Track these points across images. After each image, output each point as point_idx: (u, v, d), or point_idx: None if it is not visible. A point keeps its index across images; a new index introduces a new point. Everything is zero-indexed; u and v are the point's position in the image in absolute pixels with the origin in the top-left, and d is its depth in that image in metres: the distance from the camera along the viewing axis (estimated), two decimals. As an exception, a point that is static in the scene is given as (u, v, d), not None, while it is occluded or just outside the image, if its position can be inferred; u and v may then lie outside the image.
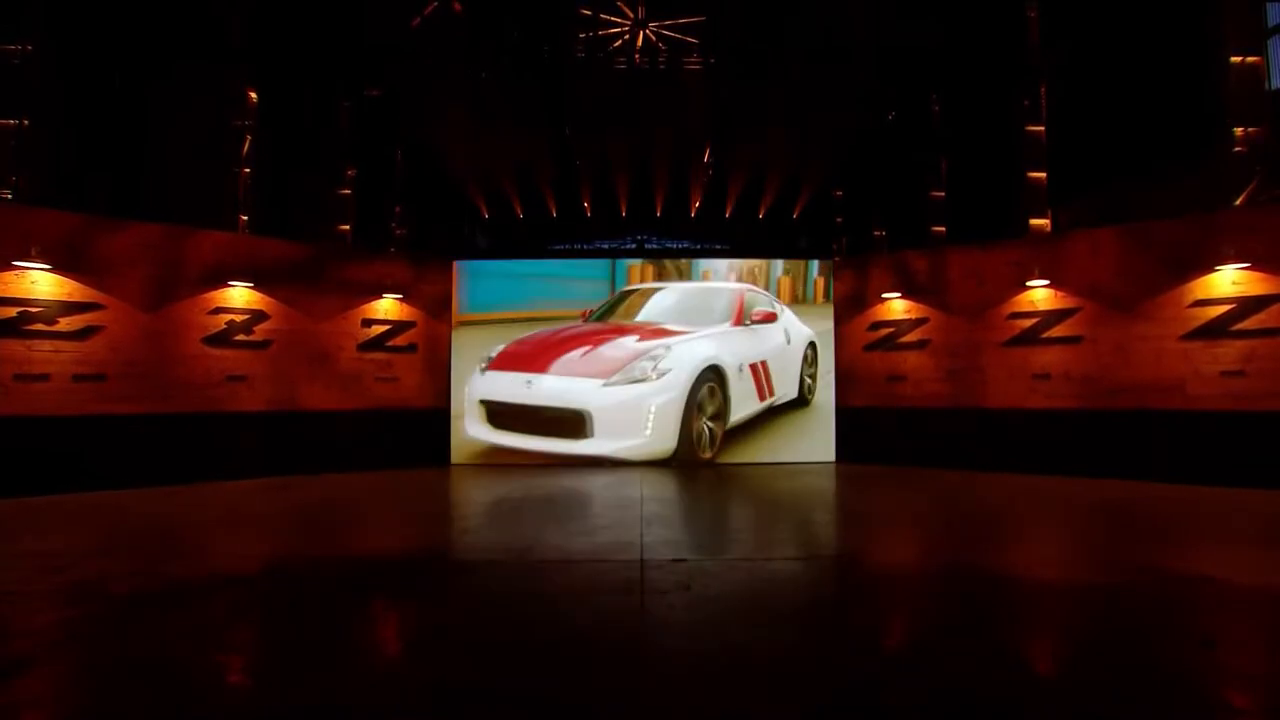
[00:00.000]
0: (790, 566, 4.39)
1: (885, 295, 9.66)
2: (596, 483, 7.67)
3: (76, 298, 7.24)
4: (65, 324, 7.16)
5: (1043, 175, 10.33)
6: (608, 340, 6.36)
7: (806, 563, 4.53)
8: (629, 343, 6.27)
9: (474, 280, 8.80)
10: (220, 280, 8.23)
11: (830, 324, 8.99)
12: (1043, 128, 10.42)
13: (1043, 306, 8.50)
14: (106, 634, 3.10)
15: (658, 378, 5.79)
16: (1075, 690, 2.56)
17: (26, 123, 7.88)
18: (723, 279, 7.95)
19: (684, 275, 8.06)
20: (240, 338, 8.34)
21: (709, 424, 6.00)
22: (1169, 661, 2.80)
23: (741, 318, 6.29)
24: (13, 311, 6.89)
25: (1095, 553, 4.88)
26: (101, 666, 2.76)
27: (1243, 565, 4.22)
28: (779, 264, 8.89)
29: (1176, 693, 2.50)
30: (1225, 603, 3.57)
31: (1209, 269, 7.36)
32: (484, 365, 6.98)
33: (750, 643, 3.02)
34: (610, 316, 7.01)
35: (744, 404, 6.02)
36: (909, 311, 9.50)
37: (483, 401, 6.78)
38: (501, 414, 6.66)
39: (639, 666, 2.77)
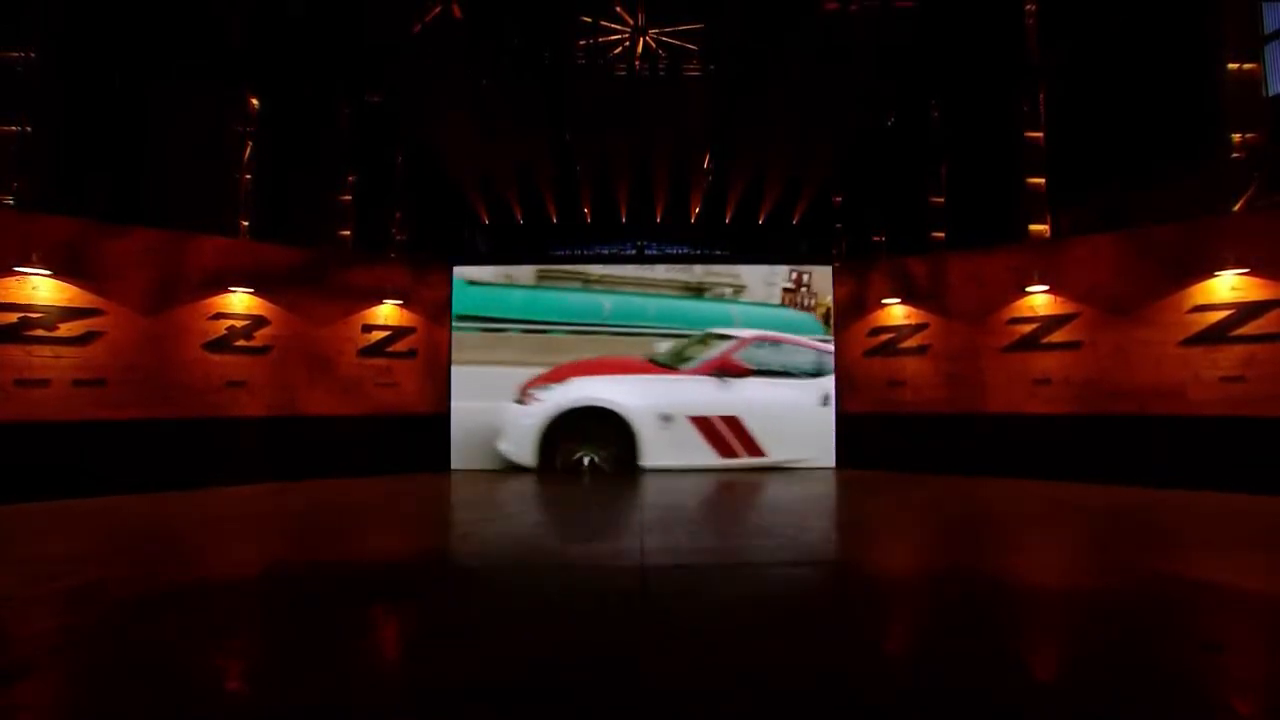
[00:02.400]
0: (795, 572, 4.38)
1: (885, 301, 9.67)
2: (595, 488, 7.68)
3: (77, 303, 7.24)
4: (66, 329, 7.16)
5: (1042, 180, 10.36)
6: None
7: (812, 567, 4.52)
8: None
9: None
10: (221, 285, 8.23)
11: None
12: (1041, 133, 10.46)
13: (1042, 311, 8.50)
14: (106, 639, 3.09)
15: (531, 404, 6.23)
16: (1076, 691, 2.56)
17: (28, 128, 7.90)
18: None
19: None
20: (241, 343, 8.34)
21: (590, 453, 5.83)
22: (1170, 664, 2.80)
23: (718, 368, 5.75)
24: (13, 317, 6.89)
25: (1097, 558, 4.88)
26: (101, 671, 2.75)
27: (1243, 570, 4.22)
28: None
29: (1177, 695, 2.50)
30: (1227, 607, 3.57)
31: (1208, 274, 7.37)
32: None
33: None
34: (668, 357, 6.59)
35: (674, 451, 5.62)
36: (909, 317, 9.50)
37: None
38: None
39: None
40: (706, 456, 5.95)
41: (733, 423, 5.92)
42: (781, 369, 6.11)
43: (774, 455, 6.03)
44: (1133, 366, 7.84)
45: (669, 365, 5.98)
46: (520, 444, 6.05)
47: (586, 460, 5.84)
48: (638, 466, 5.70)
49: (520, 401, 6.26)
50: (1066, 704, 2.49)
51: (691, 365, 5.95)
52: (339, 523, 6.21)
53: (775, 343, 6.15)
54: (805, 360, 6.21)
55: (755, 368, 5.96)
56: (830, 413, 6.54)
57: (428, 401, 9.68)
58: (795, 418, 6.11)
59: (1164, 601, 3.66)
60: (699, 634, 3.20)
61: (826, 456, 6.66)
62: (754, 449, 5.97)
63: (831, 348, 6.90)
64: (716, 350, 5.92)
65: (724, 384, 5.99)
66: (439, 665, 2.85)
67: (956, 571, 4.39)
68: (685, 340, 6.41)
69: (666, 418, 5.84)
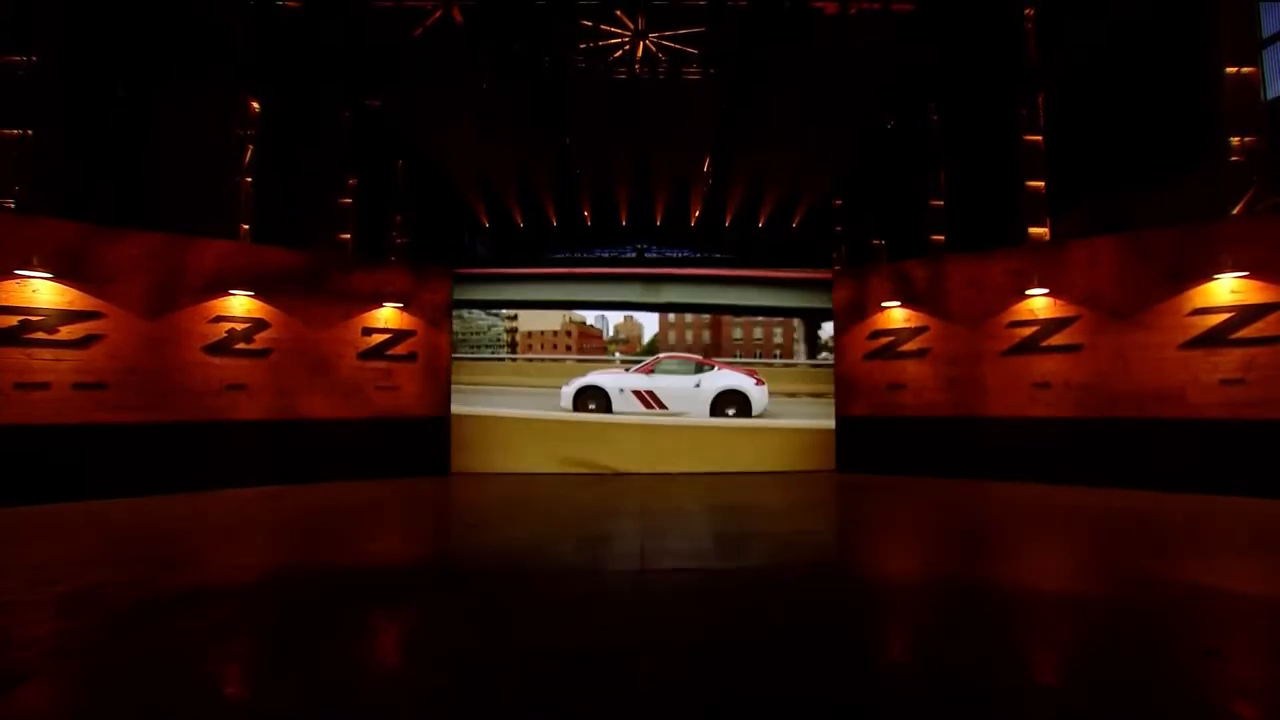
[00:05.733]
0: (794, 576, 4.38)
1: (885, 304, 9.68)
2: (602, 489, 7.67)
3: (77, 306, 7.25)
4: (66, 332, 7.16)
5: (1041, 184, 10.38)
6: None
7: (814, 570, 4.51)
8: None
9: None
10: (221, 289, 8.24)
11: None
12: (1040, 136, 10.48)
13: (1042, 315, 8.51)
14: (106, 643, 3.09)
15: (567, 385, 10.50)
16: (1077, 694, 2.55)
17: (29, 132, 7.92)
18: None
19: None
20: (240, 346, 8.34)
21: (591, 405, 10.35)
22: (1171, 668, 2.79)
23: (646, 370, 10.54)
24: (14, 320, 6.90)
25: (1098, 562, 4.86)
26: (101, 676, 2.74)
27: (1243, 574, 4.21)
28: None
29: (1178, 699, 2.49)
30: (1227, 611, 3.56)
31: (1207, 278, 7.38)
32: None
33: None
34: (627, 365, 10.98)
35: (626, 406, 10.37)
36: (909, 320, 9.51)
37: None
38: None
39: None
40: (640, 408, 10.33)
41: (651, 393, 10.33)
42: (675, 371, 10.45)
43: (671, 409, 10.31)
44: (1133, 370, 7.84)
45: (627, 368, 10.64)
46: (566, 401, 10.33)
47: (593, 406, 10.26)
48: (610, 410, 10.29)
49: (566, 384, 10.42)
50: (1068, 706, 2.48)
51: (635, 369, 10.55)
52: (338, 527, 6.20)
53: (673, 359, 10.63)
54: (689, 368, 10.46)
55: (662, 370, 10.49)
56: (701, 391, 10.33)
57: (427, 405, 9.68)
58: (681, 393, 10.32)
59: (1164, 605, 3.65)
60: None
61: (701, 410, 10.32)
62: (660, 405, 10.29)
63: (710, 358, 10.74)
64: (645, 362, 10.66)
65: (649, 376, 10.40)
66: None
67: (956, 576, 4.38)
68: (634, 359, 11.00)
69: (622, 390, 10.32)
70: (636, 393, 10.10)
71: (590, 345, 11.30)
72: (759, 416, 10.09)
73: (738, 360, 10.93)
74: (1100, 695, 2.56)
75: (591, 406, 10.11)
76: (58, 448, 7.04)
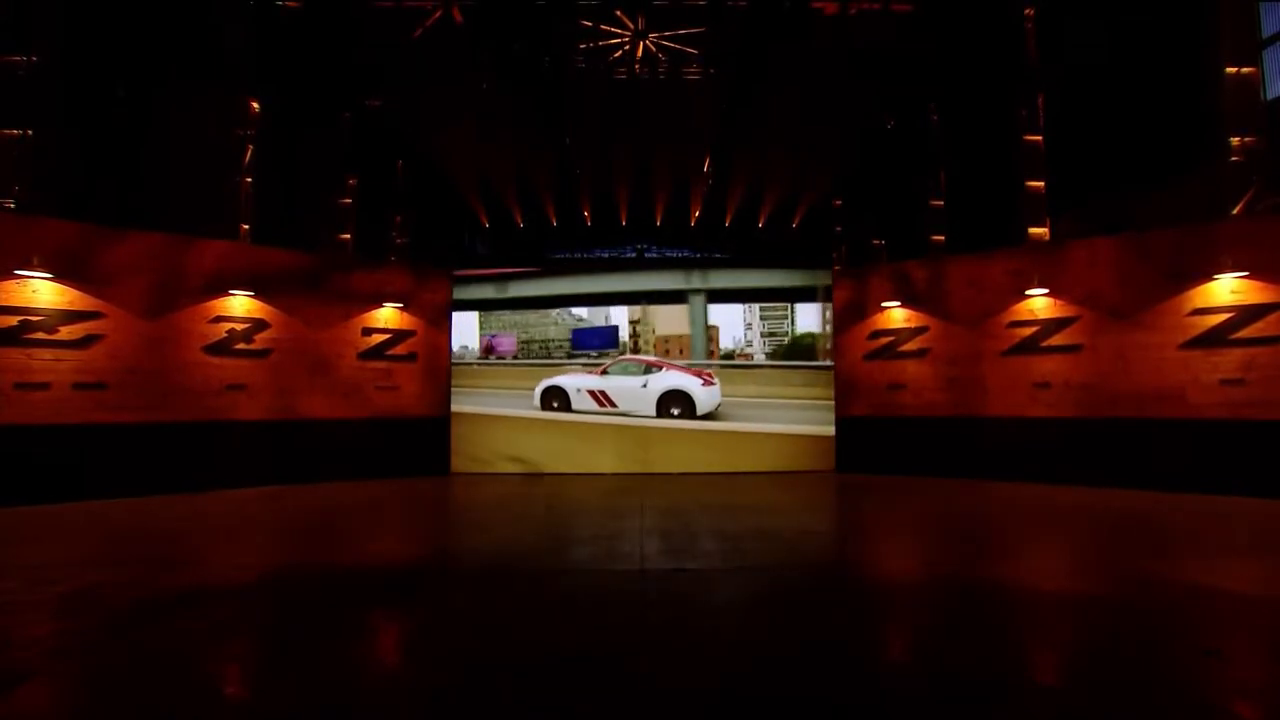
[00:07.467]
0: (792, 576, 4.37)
1: (885, 304, 9.68)
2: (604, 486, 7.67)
3: (77, 306, 7.25)
4: (66, 333, 7.16)
5: (1041, 184, 10.38)
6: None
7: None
8: None
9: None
10: (221, 289, 8.24)
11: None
12: (1041, 136, 10.48)
13: (1042, 315, 8.50)
14: (106, 643, 3.08)
15: (537, 385, 10.62)
16: (1078, 694, 2.55)
17: (30, 132, 7.92)
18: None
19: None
20: (240, 346, 8.34)
21: (555, 403, 10.60)
22: (1171, 669, 2.79)
23: (600, 372, 10.67)
24: (14, 320, 6.89)
25: (1098, 563, 4.86)
26: (101, 676, 2.74)
27: (1243, 575, 4.21)
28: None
29: (1178, 699, 2.49)
30: (1226, 611, 3.56)
31: (1207, 278, 7.37)
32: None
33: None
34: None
35: (583, 404, 10.59)
36: (909, 320, 9.51)
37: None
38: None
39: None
40: (594, 407, 10.50)
41: (603, 393, 10.47)
42: (627, 372, 10.59)
43: (620, 407, 10.48)
44: (1133, 370, 7.84)
45: (587, 370, 10.71)
46: (536, 399, 10.47)
47: (555, 404, 10.51)
48: (570, 409, 10.51)
49: (538, 385, 10.55)
50: (1068, 706, 2.48)
51: (594, 370, 10.65)
52: (339, 527, 6.20)
53: (627, 361, 10.73)
54: (639, 369, 10.60)
55: (616, 371, 10.60)
56: (647, 391, 10.47)
57: (427, 405, 9.68)
58: (630, 392, 10.47)
59: (1164, 605, 3.65)
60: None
61: (648, 409, 10.41)
62: (611, 404, 10.43)
63: (660, 360, 10.80)
64: (604, 364, 10.70)
65: (603, 377, 10.54)
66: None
67: (956, 576, 4.38)
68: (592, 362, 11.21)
69: (579, 390, 10.49)
70: (591, 392, 10.42)
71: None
72: (704, 417, 10.16)
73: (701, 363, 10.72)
74: (1100, 695, 2.56)
75: (555, 405, 10.46)
76: (58, 448, 7.04)
